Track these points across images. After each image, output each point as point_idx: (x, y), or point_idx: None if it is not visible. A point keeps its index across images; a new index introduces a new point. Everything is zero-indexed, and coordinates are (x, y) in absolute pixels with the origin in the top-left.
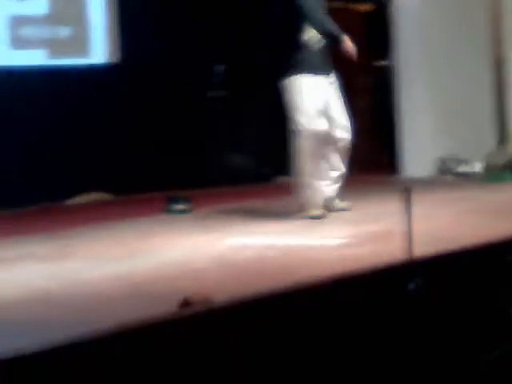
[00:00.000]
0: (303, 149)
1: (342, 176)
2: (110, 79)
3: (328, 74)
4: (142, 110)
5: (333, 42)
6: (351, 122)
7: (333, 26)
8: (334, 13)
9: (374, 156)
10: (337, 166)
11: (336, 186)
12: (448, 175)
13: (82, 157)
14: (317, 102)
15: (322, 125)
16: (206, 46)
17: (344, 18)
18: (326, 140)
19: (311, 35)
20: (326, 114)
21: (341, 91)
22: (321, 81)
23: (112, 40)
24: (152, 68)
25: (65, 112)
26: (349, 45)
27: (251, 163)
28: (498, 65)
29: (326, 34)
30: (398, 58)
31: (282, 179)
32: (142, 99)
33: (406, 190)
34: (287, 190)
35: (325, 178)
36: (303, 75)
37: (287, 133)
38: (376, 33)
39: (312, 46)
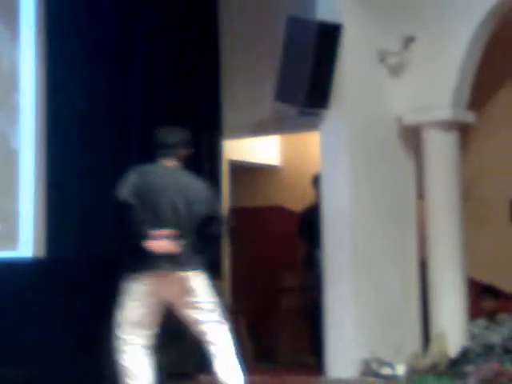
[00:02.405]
0: None
1: None
2: (36, 273)
3: None
4: (68, 304)
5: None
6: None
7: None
8: (269, 212)
9: (300, 356)
10: None
11: None
12: (371, 377)
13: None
14: None
15: None
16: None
17: (280, 215)
18: None
19: None
20: None
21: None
22: None
23: (38, 234)
24: (78, 262)
25: None
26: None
27: (173, 360)
28: (423, 266)
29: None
30: (325, 255)
31: (203, 377)
32: (67, 293)
33: None
34: None
35: None
36: None
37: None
38: (308, 229)
39: None
